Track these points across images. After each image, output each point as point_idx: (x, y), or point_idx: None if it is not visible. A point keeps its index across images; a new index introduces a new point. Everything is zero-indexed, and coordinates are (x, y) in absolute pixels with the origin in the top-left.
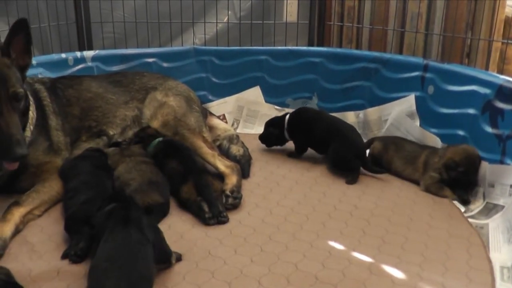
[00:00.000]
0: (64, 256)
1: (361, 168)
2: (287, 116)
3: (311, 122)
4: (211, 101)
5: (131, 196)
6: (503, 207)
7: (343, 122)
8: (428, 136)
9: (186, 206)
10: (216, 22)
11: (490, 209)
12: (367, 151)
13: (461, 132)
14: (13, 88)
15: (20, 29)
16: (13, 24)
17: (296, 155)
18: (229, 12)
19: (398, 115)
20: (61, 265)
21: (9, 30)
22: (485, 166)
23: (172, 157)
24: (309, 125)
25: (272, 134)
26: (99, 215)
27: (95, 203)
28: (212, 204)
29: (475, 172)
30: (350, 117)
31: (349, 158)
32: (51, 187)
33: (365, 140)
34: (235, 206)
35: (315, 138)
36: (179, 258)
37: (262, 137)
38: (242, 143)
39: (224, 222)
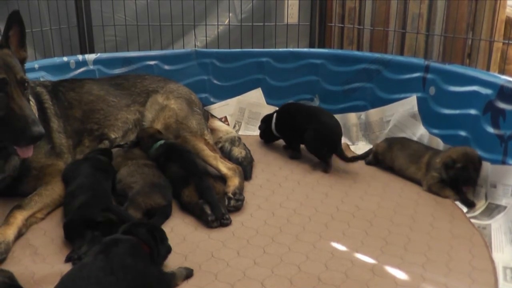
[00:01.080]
0: (68, 259)
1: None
2: (275, 113)
3: (293, 114)
4: (212, 103)
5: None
6: (505, 207)
7: (322, 110)
8: (432, 137)
9: (188, 209)
10: (217, 25)
11: (492, 210)
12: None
13: (462, 133)
14: (20, 74)
15: (14, 21)
16: (8, 18)
17: (297, 154)
18: (230, 14)
19: (401, 117)
20: (64, 268)
21: (5, 25)
22: (487, 167)
23: (173, 160)
24: (292, 117)
25: (262, 130)
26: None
27: (91, 205)
28: (215, 207)
29: (474, 169)
30: (351, 118)
31: (323, 141)
32: (54, 190)
33: (367, 141)
34: (237, 208)
35: (298, 129)
36: (188, 275)
37: (260, 134)
38: (244, 145)
39: (226, 225)
